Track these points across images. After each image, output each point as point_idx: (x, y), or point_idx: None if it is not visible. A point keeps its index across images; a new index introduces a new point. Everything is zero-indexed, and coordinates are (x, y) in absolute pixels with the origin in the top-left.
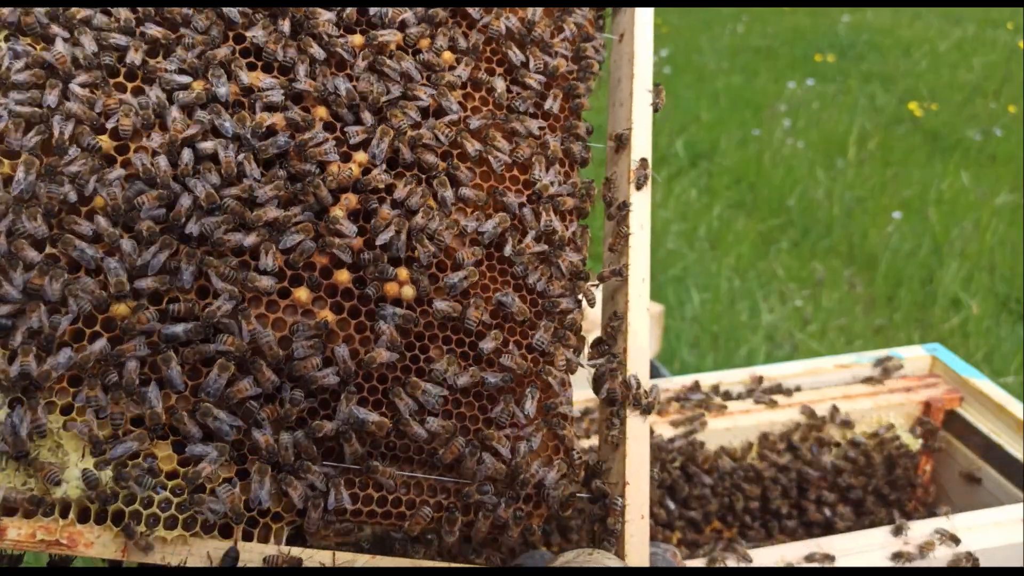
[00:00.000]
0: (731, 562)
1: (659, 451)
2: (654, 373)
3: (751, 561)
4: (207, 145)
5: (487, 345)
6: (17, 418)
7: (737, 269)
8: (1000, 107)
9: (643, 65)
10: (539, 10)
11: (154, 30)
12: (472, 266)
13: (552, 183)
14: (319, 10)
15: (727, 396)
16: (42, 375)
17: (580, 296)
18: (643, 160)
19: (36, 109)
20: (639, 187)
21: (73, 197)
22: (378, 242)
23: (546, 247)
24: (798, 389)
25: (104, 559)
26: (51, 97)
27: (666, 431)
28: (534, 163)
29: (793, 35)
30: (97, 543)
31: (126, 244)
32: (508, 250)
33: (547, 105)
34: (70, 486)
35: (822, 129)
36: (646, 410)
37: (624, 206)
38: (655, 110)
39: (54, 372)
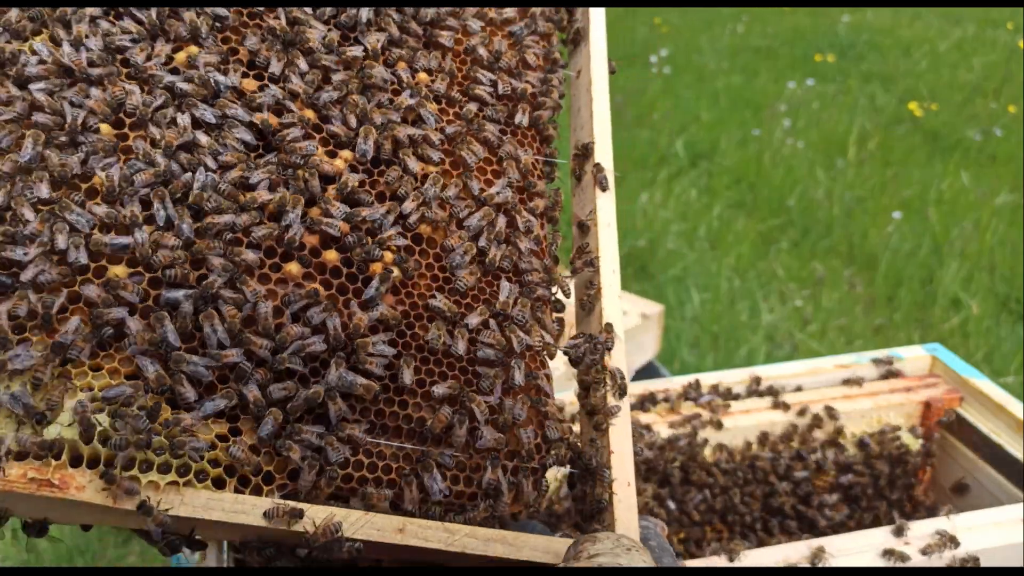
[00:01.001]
0: (727, 561)
1: (659, 451)
2: (654, 373)
3: (742, 561)
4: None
5: (472, 320)
6: (20, 391)
7: (737, 269)
8: (1000, 107)
9: (600, 90)
10: (505, 41)
11: (162, 46)
12: (464, 245)
13: (502, 193)
14: (308, 29)
15: (728, 395)
16: None
17: (555, 288)
18: (598, 165)
19: (51, 99)
20: (604, 188)
21: (77, 168)
22: (365, 215)
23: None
24: (798, 389)
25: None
26: (70, 92)
27: (666, 431)
28: (507, 168)
29: (793, 35)
30: (89, 487)
31: (140, 235)
32: (483, 241)
33: (517, 120)
34: (64, 427)
35: (822, 129)
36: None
37: (585, 225)
38: (611, 72)
39: (10, 364)
